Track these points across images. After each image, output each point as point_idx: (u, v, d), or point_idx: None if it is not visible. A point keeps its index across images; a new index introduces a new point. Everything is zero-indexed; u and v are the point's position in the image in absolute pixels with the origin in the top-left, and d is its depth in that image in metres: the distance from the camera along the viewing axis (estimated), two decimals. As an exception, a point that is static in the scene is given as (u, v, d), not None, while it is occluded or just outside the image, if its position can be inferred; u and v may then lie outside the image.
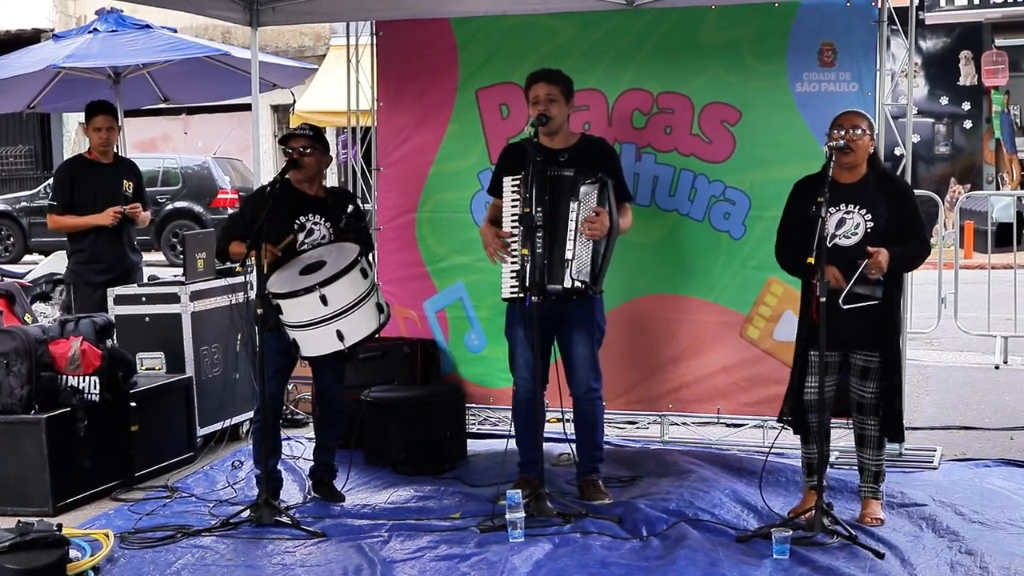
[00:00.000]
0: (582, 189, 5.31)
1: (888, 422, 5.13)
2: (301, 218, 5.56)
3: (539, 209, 5.25)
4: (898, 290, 5.19)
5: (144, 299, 6.70)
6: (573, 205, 5.30)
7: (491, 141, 6.53)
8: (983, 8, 17.75)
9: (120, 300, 6.70)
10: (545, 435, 5.58)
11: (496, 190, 5.58)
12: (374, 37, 6.83)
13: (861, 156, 5.03)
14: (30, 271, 11.98)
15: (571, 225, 5.29)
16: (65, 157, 17.44)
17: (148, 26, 9.21)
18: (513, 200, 5.35)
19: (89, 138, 7.27)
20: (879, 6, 5.95)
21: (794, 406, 5.13)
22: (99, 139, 7.16)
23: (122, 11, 9.41)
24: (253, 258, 5.33)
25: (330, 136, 17.45)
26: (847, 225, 5.01)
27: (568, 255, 5.29)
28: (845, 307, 4.88)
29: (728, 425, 6.61)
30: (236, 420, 6.87)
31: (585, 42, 6.39)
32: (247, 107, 7.47)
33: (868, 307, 4.94)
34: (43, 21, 22.16)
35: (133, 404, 6.01)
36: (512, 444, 5.66)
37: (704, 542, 4.90)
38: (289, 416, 7.25)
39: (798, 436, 5.25)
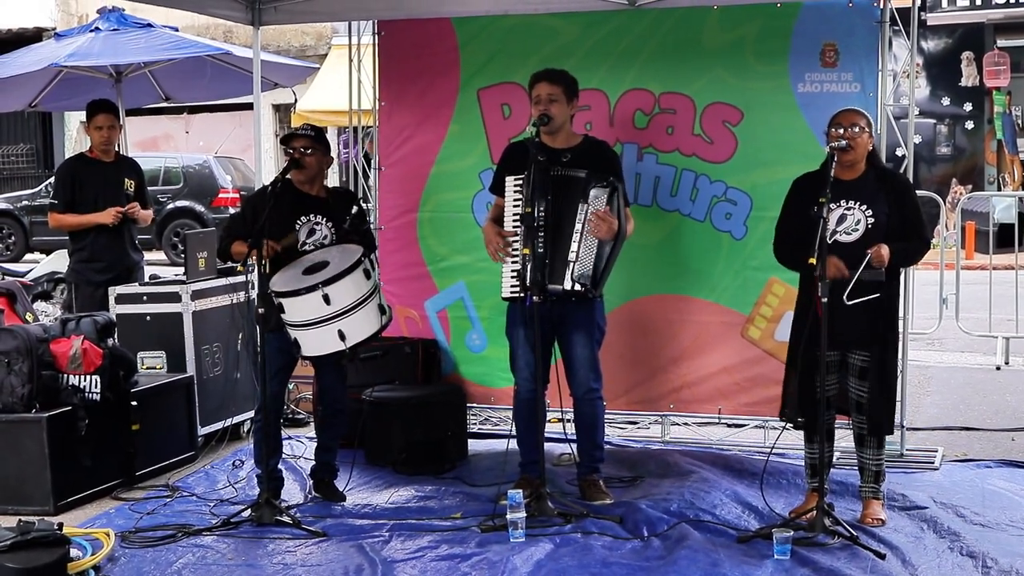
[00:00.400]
0: (592, 192, 5.30)
1: (877, 421, 5.10)
2: (303, 218, 5.56)
3: (541, 209, 5.25)
4: (897, 288, 5.18)
5: (145, 298, 6.70)
6: (582, 207, 5.29)
7: (492, 141, 6.53)
8: (985, 9, 17.73)
9: (121, 299, 6.70)
10: (546, 435, 5.58)
11: (498, 189, 5.57)
12: (376, 36, 6.83)
13: (861, 153, 5.03)
14: (31, 270, 12.01)
15: (577, 227, 5.29)
16: (66, 156, 17.44)
17: (150, 25, 9.21)
18: (515, 199, 5.35)
19: (90, 137, 7.26)
20: (881, 7, 5.94)
21: (804, 406, 5.09)
22: (100, 138, 7.15)
23: (124, 10, 9.40)
24: (254, 258, 5.33)
25: (331, 136, 17.47)
26: (848, 221, 5.00)
27: (571, 256, 5.28)
28: (849, 303, 4.87)
29: (729, 425, 6.62)
30: (237, 419, 6.87)
31: (587, 42, 6.38)
32: (248, 106, 7.47)
33: (869, 305, 4.92)
34: (45, 20, 22.16)
35: (134, 403, 6.01)
36: (513, 444, 5.66)
37: (705, 542, 4.90)
38: (290, 415, 7.25)
39: (800, 437, 5.24)
